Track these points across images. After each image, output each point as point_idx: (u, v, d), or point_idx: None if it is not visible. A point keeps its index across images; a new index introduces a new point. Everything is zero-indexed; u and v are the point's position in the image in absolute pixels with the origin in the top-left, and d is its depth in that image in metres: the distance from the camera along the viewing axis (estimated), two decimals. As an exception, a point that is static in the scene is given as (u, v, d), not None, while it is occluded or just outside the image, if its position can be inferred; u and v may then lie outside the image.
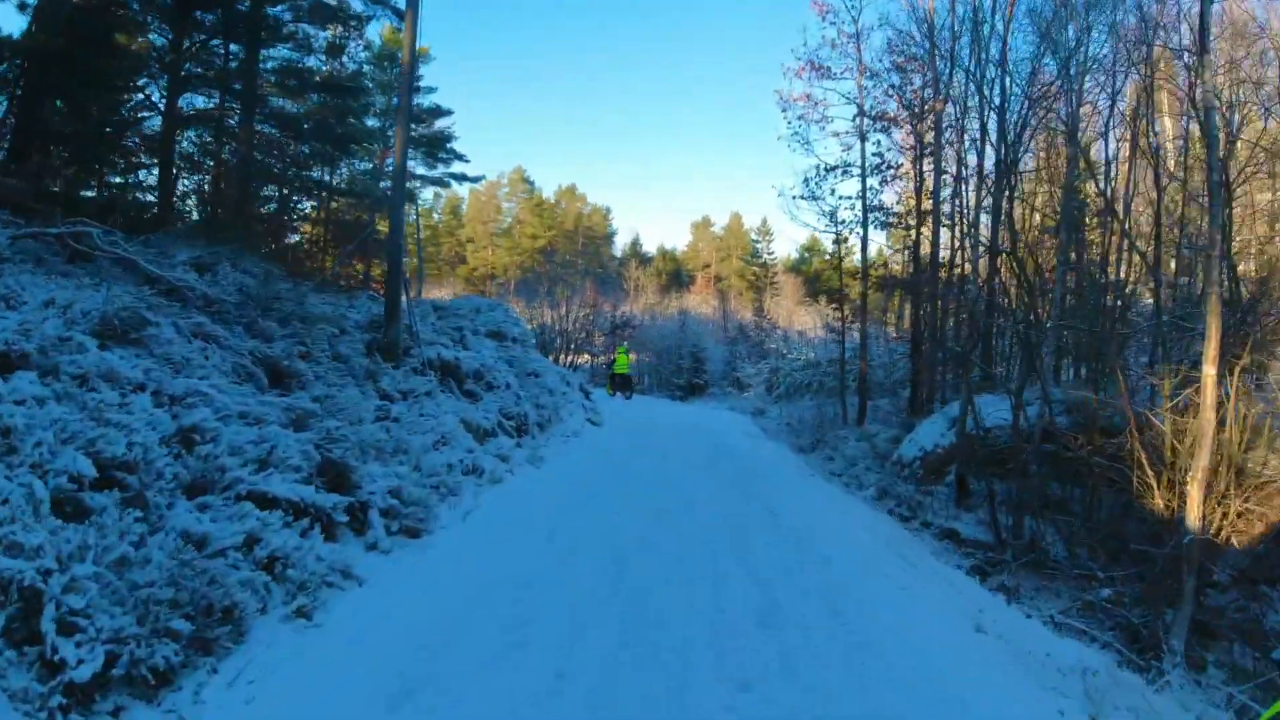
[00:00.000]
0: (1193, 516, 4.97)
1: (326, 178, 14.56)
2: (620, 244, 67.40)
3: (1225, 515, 5.46)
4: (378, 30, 20.02)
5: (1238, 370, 5.51)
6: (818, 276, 39.59)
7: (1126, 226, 9.47)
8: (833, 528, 5.76)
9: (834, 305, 17.22)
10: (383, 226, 15.95)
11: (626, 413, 14.13)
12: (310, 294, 6.93)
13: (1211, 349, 4.92)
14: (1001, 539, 7.58)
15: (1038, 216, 12.21)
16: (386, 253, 7.86)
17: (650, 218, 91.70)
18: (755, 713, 2.41)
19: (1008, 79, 10.25)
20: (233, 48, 10.06)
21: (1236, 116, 8.49)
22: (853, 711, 2.46)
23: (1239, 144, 7.81)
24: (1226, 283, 6.72)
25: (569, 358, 27.42)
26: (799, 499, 7.06)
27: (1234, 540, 5.56)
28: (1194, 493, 4.95)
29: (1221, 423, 5.39)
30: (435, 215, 54.04)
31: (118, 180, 9.68)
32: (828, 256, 18.81)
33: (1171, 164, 9.55)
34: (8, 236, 4.76)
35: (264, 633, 2.63)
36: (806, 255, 52.76)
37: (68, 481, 2.58)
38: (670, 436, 10.97)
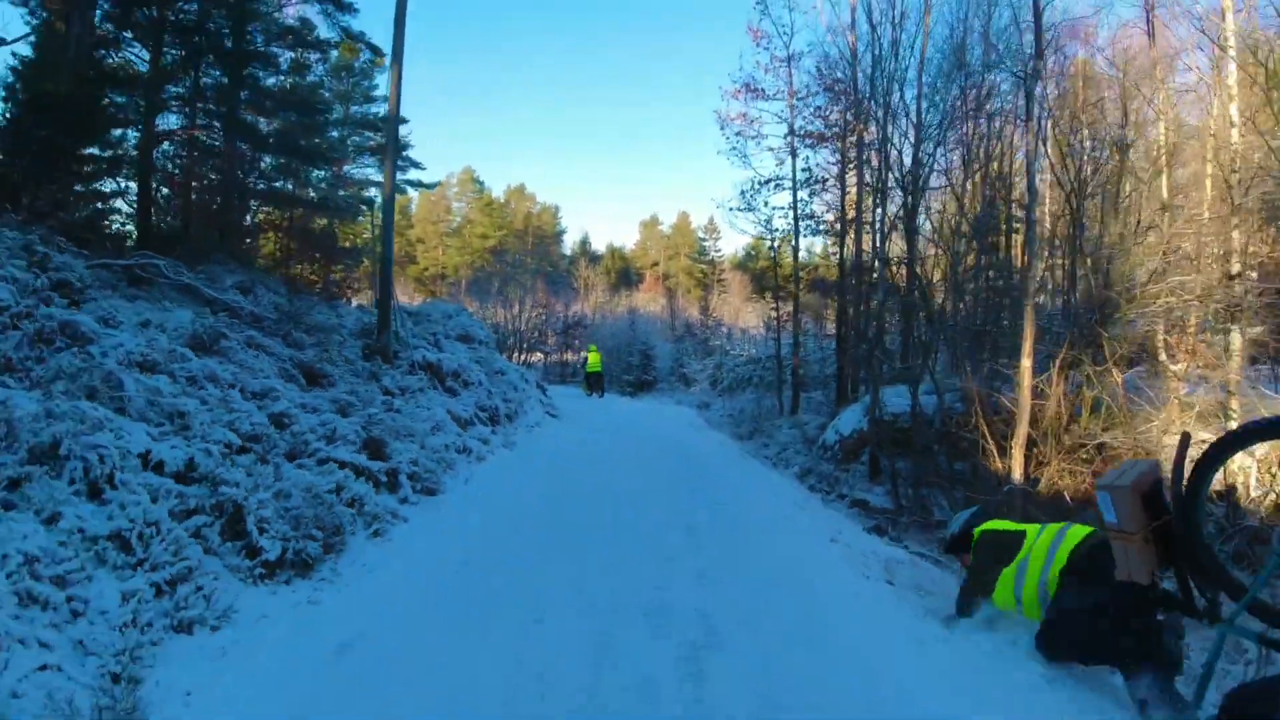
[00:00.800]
0: (1016, 473, 6.73)
1: (289, 188, 15.62)
2: (569, 242, 68.48)
3: (1044, 472, 7.27)
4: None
5: (1058, 361, 7.32)
6: (763, 274, 41.53)
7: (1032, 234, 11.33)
8: (756, 500, 7.36)
9: (771, 308, 19.02)
10: (343, 233, 17.13)
11: (580, 407, 15.65)
12: (313, 306, 8.26)
13: (1026, 345, 6.70)
14: (900, 505, 9.31)
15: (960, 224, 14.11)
16: (380, 271, 9.19)
17: (599, 216, 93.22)
18: (673, 569, 3.97)
19: (921, 103, 12.06)
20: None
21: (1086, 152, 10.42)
22: (731, 570, 4.03)
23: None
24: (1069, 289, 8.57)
25: (523, 357, 28.72)
26: (731, 476, 8.69)
27: (1060, 490, 7.35)
28: (1016, 454, 6.72)
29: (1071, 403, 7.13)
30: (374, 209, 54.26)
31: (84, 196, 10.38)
32: (767, 261, 20.55)
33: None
34: (85, 266, 6.00)
35: (356, 544, 4.06)
36: (753, 253, 54.94)
37: (224, 447, 3.97)
38: (623, 426, 12.53)
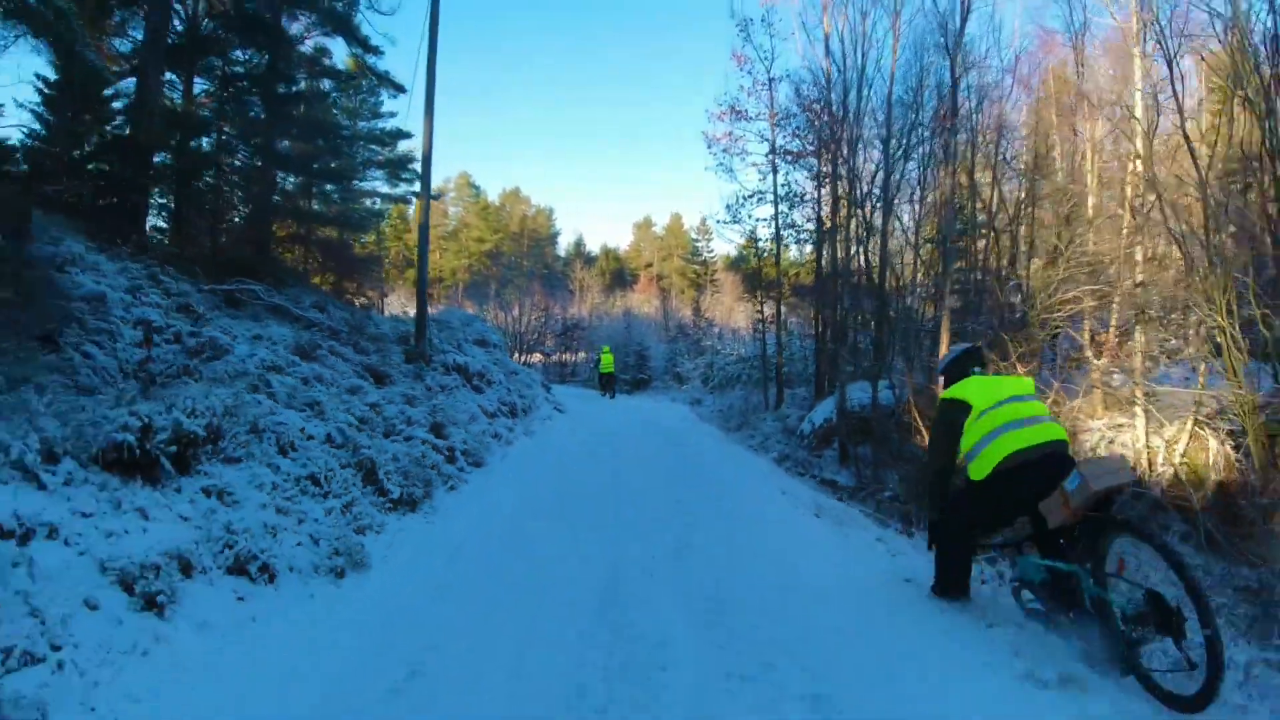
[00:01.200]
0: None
1: (311, 205, 17.21)
2: (564, 244, 70.22)
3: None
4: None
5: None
6: (753, 275, 43.25)
7: (988, 241, 13.04)
8: (730, 471, 9.08)
9: (757, 312, 20.78)
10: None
11: (583, 404, 17.37)
12: (364, 317, 9.96)
13: (943, 345, 8.44)
14: (861, 482, 11.03)
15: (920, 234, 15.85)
16: (416, 289, 10.85)
17: (593, 218, 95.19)
18: (664, 511, 5.70)
19: (891, 124, 13.78)
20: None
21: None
22: (704, 507, 5.74)
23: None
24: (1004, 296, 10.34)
25: (524, 358, 30.40)
26: (713, 455, 10.41)
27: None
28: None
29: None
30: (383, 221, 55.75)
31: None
32: (754, 265, 22.25)
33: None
34: (197, 291, 7.67)
35: (439, 494, 5.76)
36: (744, 254, 56.69)
37: (347, 425, 5.67)
38: (622, 421, 14.24)
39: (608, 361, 22.16)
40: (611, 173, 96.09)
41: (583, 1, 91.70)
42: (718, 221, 18.80)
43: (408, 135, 26.20)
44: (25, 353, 4.78)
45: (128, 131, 9.06)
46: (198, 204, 9.75)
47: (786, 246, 19.22)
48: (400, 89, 14.48)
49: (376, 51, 13.58)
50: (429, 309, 11.02)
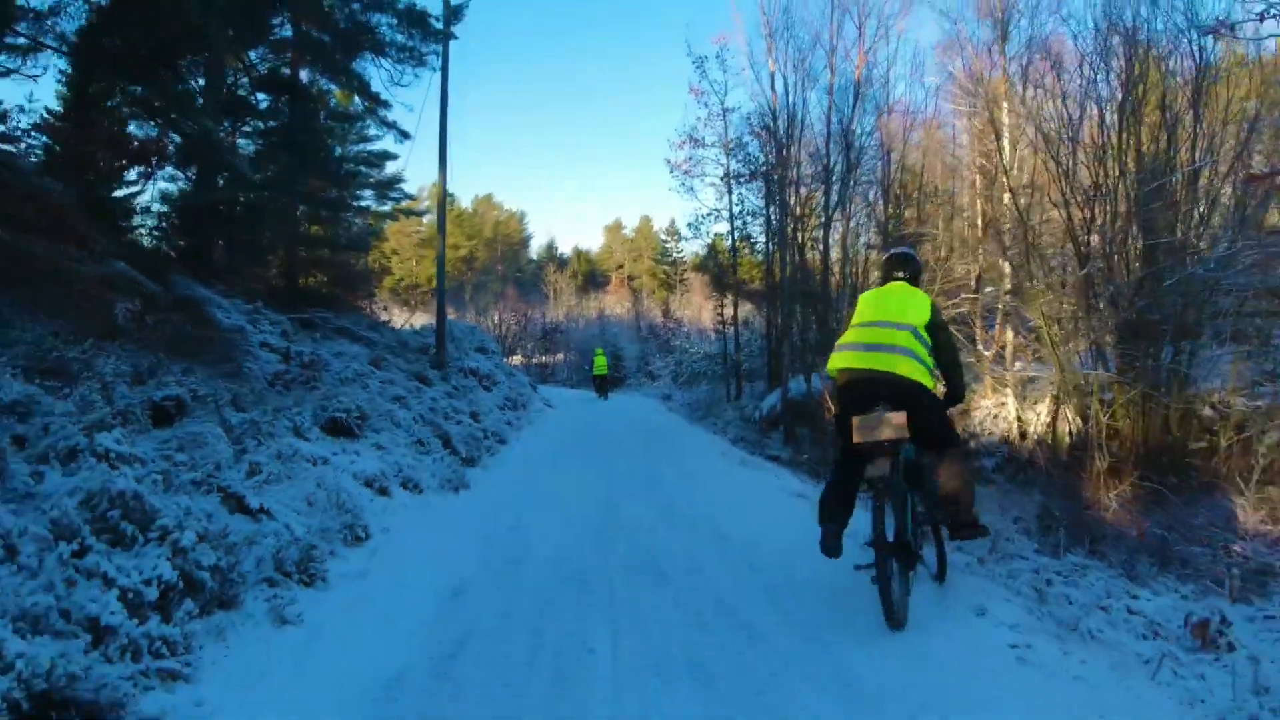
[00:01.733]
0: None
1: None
2: (536, 247, 72.62)
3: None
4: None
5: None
6: (718, 276, 46.37)
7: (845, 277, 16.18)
8: (689, 444, 11.97)
9: (718, 314, 23.79)
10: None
11: (567, 400, 20.23)
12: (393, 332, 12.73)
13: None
14: (797, 455, 14.00)
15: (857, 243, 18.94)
16: (437, 308, 13.56)
17: (564, 219, 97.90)
18: (639, 466, 8.60)
19: (830, 147, 16.77)
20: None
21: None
22: (667, 463, 8.63)
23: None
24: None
25: (504, 360, 33.13)
26: (677, 435, 13.34)
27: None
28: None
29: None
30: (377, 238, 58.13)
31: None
32: (717, 266, 25.13)
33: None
34: (287, 319, 10.37)
35: (486, 457, 8.60)
36: (709, 257, 59.87)
37: (424, 412, 8.46)
38: (602, 413, 17.14)
39: (601, 364, 23.21)
40: (581, 175, 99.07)
41: (550, 7, 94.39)
42: (681, 237, 21.64)
43: (394, 157, 28.64)
44: (219, 370, 7.51)
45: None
46: (255, 246, 12.36)
47: (743, 255, 22.26)
48: (406, 135, 17.12)
49: (386, 105, 16.26)
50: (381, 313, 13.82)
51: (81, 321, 5.44)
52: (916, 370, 3.53)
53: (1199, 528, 6.73)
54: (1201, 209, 8.46)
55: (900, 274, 3.92)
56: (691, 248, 26.42)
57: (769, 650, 3.04)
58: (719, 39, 20.53)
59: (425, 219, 64.33)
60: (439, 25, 11.75)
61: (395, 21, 11.19)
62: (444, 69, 12.35)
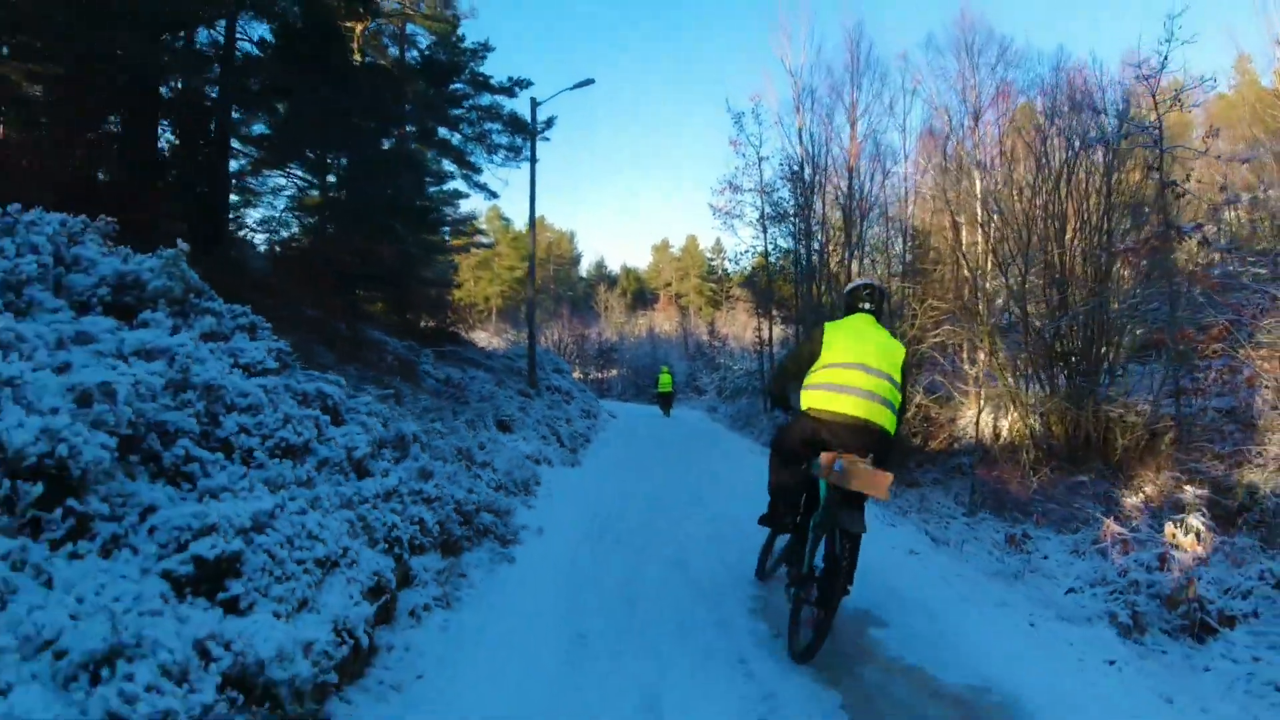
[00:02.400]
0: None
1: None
2: (586, 265, 76.95)
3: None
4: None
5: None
6: (763, 292, 49.99)
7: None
8: (730, 448, 15.69)
9: (757, 334, 27.48)
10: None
11: (627, 410, 24.16)
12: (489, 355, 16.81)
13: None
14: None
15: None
16: (529, 340, 17.58)
17: (613, 236, 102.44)
18: (685, 455, 12.42)
19: (853, 189, 20.46)
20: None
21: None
22: (707, 455, 12.41)
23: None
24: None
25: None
26: (719, 438, 17.11)
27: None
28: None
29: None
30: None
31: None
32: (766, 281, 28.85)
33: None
34: (429, 351, 14.44)
35: (583, 450, 12.51)
36: (758, 271, 63.55)
37: (540, 418, 12.41)
38: (657, 423, 20.99)
39: (666, 382, 25.19)
40: (628, 194, 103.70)
41: (597, 28, 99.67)
42: (725, 256, 25.46)
43: (465, 195, 33.12)
44: (418, 388, 11.57)
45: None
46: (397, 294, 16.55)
47: (778, 282, 25.96)
48: (494, 195, 21.47)
49: (479, 170, 20.47)
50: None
51: (362, 363, 9.53)
52: (891, 421, 3.83)
53: (1072, 497, 10.24)
54: (1098, 270, 11.95)
55: (867, 305, 4.07)
56: (738, 262, 29.92)
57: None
58: (754, 97, 24.56)
59: (484, 242, 69.44)
60: (532, 126, 15.75)
61: (500, 127, 15.27)
62: (532, 160, 16.40)
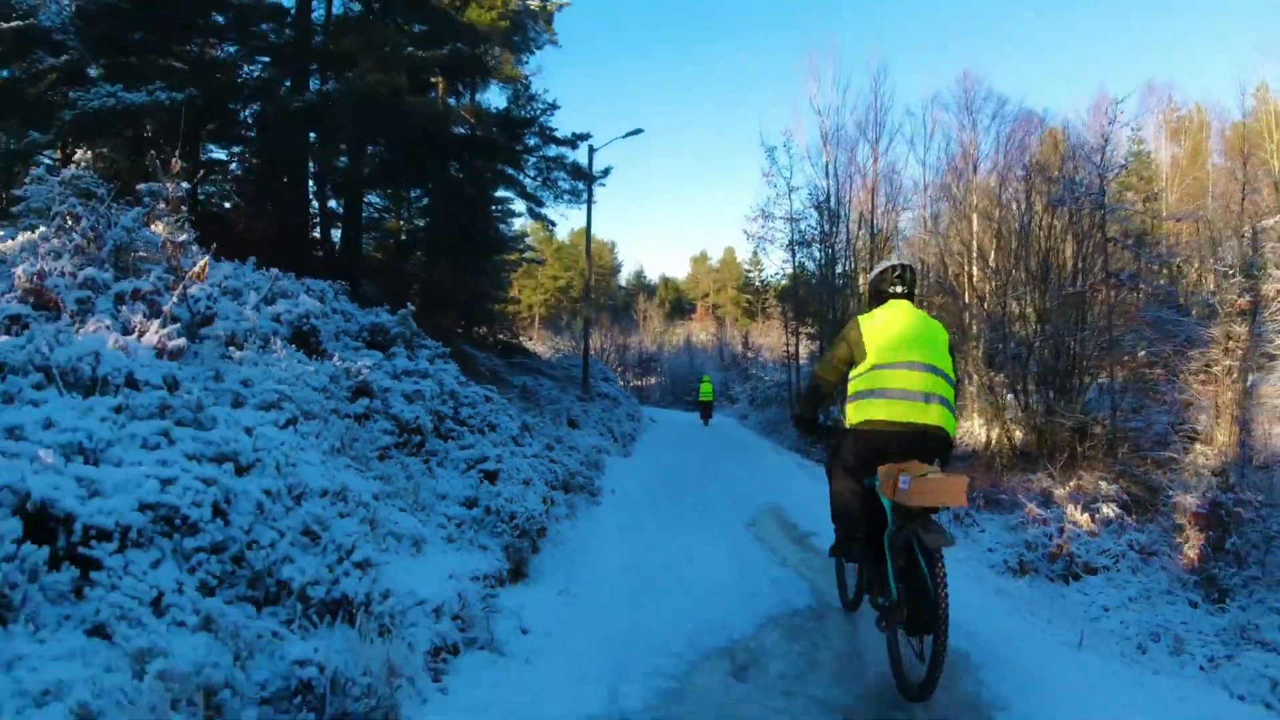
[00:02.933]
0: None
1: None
2: (625, 274, 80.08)
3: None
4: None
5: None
6: (801, 301, 52.68)
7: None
8: (755, 449, 18.59)
9: (784, 351, 30.33)
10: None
11: (665, 416, 27.24)
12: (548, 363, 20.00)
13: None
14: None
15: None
16: (584, 354, 20.68)
17: (652, 244, 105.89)
18: (715, 454, 15.43)
19: (874, 219, 23.31)
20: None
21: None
22: (734, 456, 15.38)
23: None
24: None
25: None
26: (747, 442, 20.06)
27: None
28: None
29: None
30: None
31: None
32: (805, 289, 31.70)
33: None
34: (502, 363, 17.62)
35: (632, 446, 15.55)
36: (793, 284, 66.47)
37: (599, 417, 15.51)
38: (693, 427, 24.01)
39: (707, 390, 26.46)
40: (669, 209, 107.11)
41: (633, 41, 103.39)
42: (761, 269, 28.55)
43: (520, 214, 36.35)
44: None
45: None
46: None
47: (808, 301, 28.79)
48: (553, 224, 24.60)
49: (542, 204, 23.59)
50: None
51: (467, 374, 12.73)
52: (953, 422, 3.50)
53: (1020, 490, 12.99)
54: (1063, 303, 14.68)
55: (899, 289, 3.74)
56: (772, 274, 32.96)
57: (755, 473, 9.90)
58: (785, 132, 27.49)
59: (533, 254, 72.98)
60: (589, 173, 18.85)
61: (565, 175, 18.42)
62: (589, 202, 19.54)
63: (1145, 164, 28.68)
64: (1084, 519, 10.22)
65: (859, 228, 24.67)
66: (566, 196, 18.89)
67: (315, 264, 11.97)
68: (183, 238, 6.01)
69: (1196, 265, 14.63)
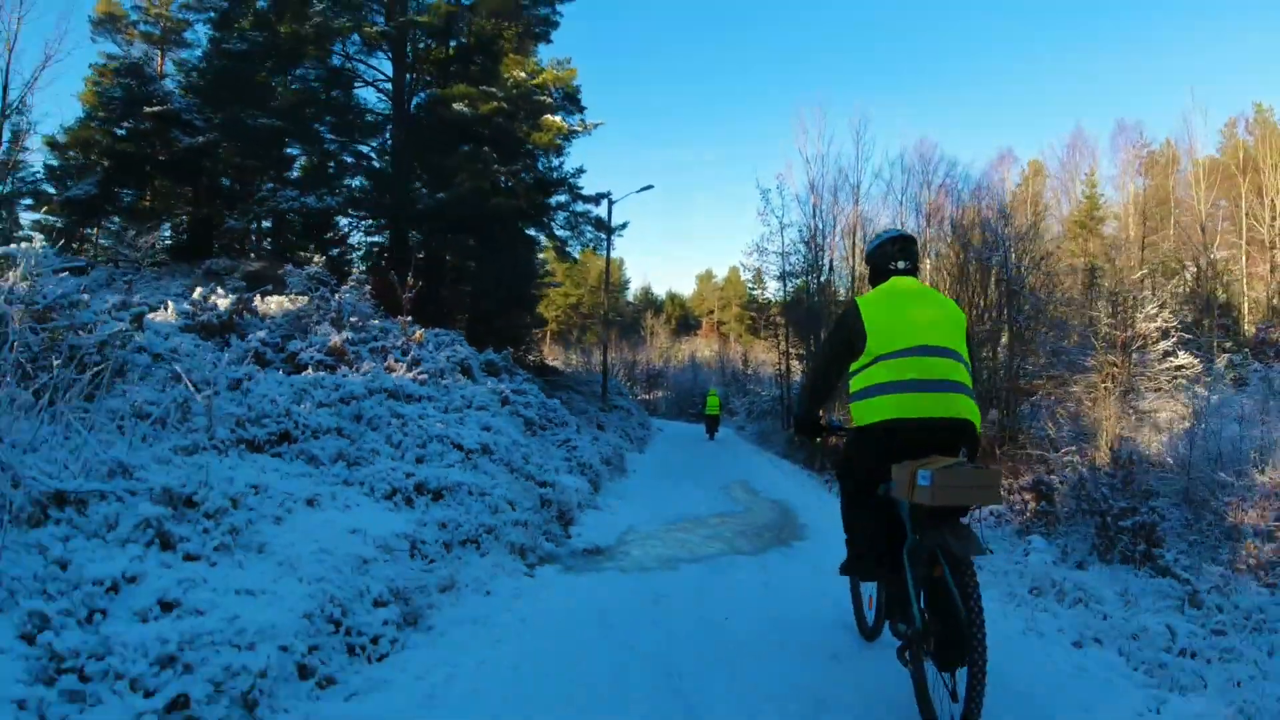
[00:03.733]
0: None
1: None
2: (633, 290, 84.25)
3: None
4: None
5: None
6: (806, 316, 56.89)
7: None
8: (747, 452, 22.92)
9: (777, 368, 34.72)
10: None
11: (671, 427, 31.70)
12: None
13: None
14: (822, 465, 24.90)
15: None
16: (603, 369, 25.10)
17: (659, 260, 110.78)
18: (710, 460, 19.87)
19: (857, 249, 27.72)
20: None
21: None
22: (727, 459, 19.77)
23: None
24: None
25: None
26: (741, 449, 24.47)
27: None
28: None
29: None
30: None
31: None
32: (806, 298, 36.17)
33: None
34: (530, 379, 22.07)
35: (645, 447, 19.97)
36: (798, 298, 70.85)
37: (615, 425, 19.96)
38: (694, 437, 28.40)
39: (714, 404, 27.38)
40: (674, 224, 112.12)
41: (641, 61, 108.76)
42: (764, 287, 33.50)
43: (546, 247, 40.76)
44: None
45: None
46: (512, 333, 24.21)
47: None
48: (575, 260, 29.08)
49: (568, 254, 27.98)
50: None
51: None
52: (976, 411, 3.11)
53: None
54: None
55: (902, 264, 3.38)
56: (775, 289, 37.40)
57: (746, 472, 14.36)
58: (778, 176, 32.02)
59: (553, 279, 77.39)
60: (609, 225, 23.35)
61: (590, 228, 22.96)
62: (608, 250, 24.04)
63: (1095, 205, 33.11)
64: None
65: (846, 260, 29.17)
66: (590, 243, 23.43)
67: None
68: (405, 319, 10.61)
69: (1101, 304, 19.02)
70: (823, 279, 30.11)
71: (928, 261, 23.60)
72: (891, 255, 3.38)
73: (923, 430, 2.97)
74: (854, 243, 29.15)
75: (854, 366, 3.23)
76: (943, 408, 2.98)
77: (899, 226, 29.05)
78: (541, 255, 31.77)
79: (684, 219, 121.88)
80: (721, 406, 29.47)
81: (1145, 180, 34.97)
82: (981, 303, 19.12)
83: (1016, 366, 17.58)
